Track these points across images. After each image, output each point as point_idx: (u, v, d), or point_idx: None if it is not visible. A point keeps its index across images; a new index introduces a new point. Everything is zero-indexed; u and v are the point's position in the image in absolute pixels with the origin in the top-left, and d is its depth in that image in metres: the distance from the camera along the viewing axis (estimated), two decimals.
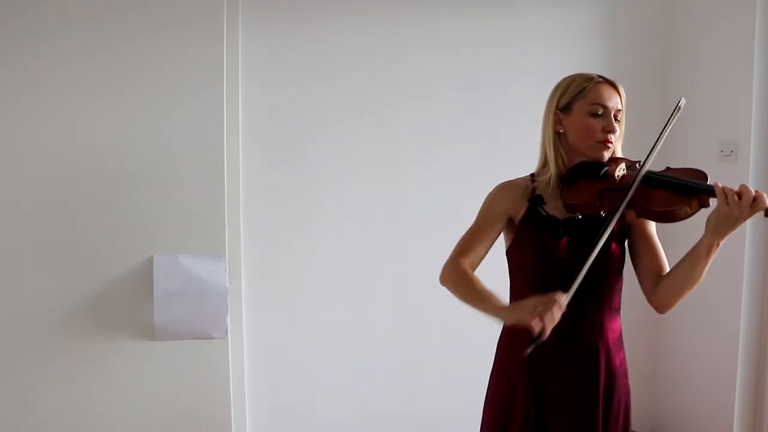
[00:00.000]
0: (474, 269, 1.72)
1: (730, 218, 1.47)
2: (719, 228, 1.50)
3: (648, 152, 1.61)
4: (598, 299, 1.69)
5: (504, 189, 1.75)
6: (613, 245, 1.67)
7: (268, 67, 2.63)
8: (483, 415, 1.83)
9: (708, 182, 1.57)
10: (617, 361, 1.72)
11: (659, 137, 1.61)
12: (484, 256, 1.74)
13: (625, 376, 1.75)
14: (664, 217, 1.57)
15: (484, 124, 2.85)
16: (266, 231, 2.68)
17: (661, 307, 1.67)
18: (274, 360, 2.75)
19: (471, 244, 1.73)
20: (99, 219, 2.38)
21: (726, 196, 1.47)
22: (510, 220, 1.73)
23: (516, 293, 1.76)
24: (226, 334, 2.47)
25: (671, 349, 3.05)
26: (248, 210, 2.62)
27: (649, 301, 1.70)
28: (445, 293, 2.93)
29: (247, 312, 2.66)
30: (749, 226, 2.57)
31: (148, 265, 2.40)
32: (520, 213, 1.71)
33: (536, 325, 1.45)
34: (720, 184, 1.50)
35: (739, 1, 2.63)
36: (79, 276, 2.38)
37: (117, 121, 2.37)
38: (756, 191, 1.47)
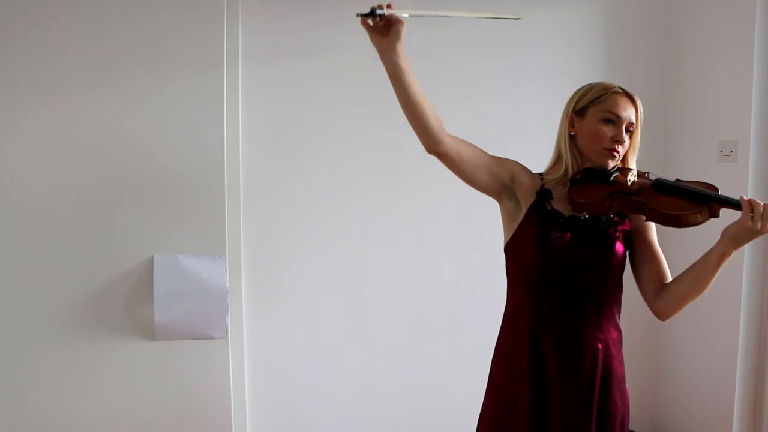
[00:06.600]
0: (454, 150, 1.71)
1: (752, 231, 1.50)
2: (738, 239, 1.53)
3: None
4: (599, 300, 1.69)
5: (522, 165, 1.79)
6: (618, 247, 1.68)
7: (269, 69, 2.62)
8: (483, 405, 1.82)
9: (720, 194, 1.58)
10: (615, 363, 1.72)
11: None
12: (470, 161, 1.72)
13: (623, 380, 1.75)
14: (674, 221, 1.57)
15: (486, 129, 2.82)
16: (266, 231, 2.68)
17: (662, 314, 1.70)
18: (274, 360, 2.75)
19: (476, 149, 1.74)
20: (99, 219, 2.38)
21: (752, 209, 1.49)
22: (512, 213, 1.73)
23: (513, 289, 1.76)
24: (226, 334, 2.47)
25: (671, 349, 3.05)
26: (248, 210, 2.62)
27: (651, 308, 1.71)
28: (445, 294, 2.92)
29: (247, 312, 2.66)
30: None
31: (148, 265, 2.40)
32: (527, 202, 1.72)
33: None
34: (746, 197, 1.52)
35: (739, 1, 2.63)
36: (79, 276, 2.38)
37: (117, 122, 2.36)
38: None
